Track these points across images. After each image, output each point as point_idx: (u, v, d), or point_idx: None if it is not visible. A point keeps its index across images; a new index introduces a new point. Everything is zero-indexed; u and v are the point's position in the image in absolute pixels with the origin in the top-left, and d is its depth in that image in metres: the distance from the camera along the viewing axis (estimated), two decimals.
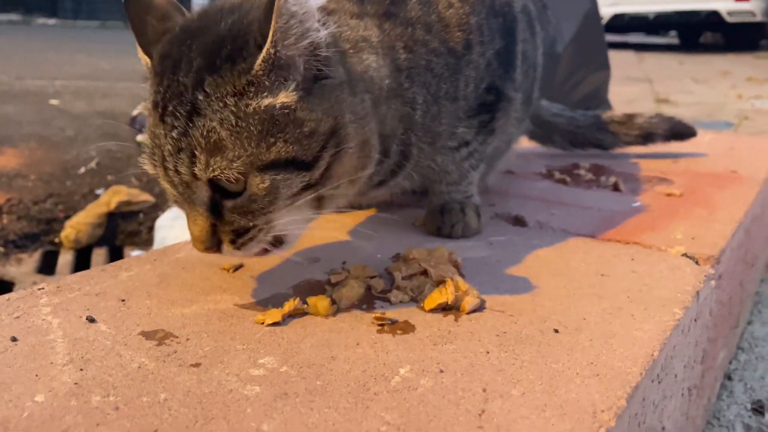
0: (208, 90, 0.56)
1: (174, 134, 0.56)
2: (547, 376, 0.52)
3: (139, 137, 2.73)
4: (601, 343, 0.57)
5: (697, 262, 0.80)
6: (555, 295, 0.68)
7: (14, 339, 0.57)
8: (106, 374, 0.51)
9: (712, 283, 0.79)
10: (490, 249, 0.82)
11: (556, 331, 0.60)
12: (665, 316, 0.63)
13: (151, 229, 2.29)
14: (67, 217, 2.26)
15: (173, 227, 1.59)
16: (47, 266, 2.04)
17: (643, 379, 0.52)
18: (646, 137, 1.32)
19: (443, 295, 0.64)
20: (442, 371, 0.52)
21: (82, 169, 2.62)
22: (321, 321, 0.61)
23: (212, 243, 0.59)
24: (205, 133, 0.56)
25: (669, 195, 1.09)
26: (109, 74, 4.38)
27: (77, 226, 2.18)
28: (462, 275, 0.71)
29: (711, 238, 0.88)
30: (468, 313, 0.63)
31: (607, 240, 0.87)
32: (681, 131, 1.33)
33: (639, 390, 0.51)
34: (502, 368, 0.53)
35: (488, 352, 0.56)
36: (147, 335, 0.58)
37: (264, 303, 0.65)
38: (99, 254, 2.14)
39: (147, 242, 2.25)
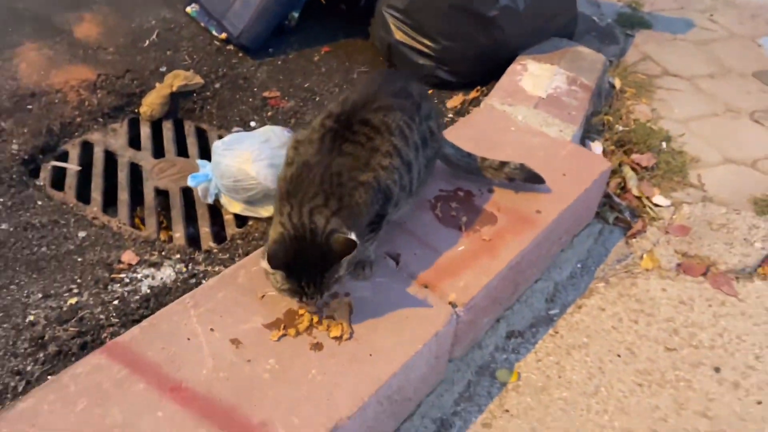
0: (325, 275, 1.65)
1: (315, 290, 1.66)
2: (353, 381, 1.67)
3: (189, 9, 3.54)
4: (379, 365, 1.71)
5: (455, 306, 1.90)
6: (382, 330, 1.80)
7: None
8: (221, 367, 1.67)
9: (461, 315, 1.89)
10: (371, 290, 1.90)
11: (371, 355, 1.73)
12: (405, 351, 1.76)
13: (202, 107, 3.22)
14: (142, 93, 3.17)
15: (224, 155, 2.53)
16: (133, 138, 3.02)
17: (373, 396, 1.68)
18: (510, 179, 2.30)
19: (337, 331, 1.77)
20: (324, 374, 1.68)
21: (146, 42, 3.43)
22: (294, 339, 1.75)
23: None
24: (326, 284, 1.67)
25: (483, 240, 2.11)
26: None
27: (151, 105, 3.10)
28: (351, 312, 1.82)
29: (473, 288, 1.95)
30: (346, 340, 1.76)
31: (427, 285, 1.95)
32: (533, 180, 2.30)
33: (372, 399, 1.67)
34: (343, 372, 1.68)
35: (345, 365, 1.70)
36: (233, 342, 1.72)
37: (278, 323, 1.77)
38: (167, 127, 3.10)
39: (199, 119, 3.19)
